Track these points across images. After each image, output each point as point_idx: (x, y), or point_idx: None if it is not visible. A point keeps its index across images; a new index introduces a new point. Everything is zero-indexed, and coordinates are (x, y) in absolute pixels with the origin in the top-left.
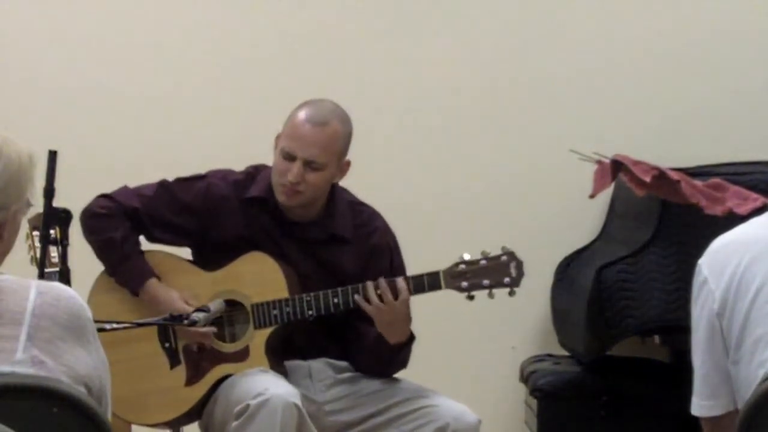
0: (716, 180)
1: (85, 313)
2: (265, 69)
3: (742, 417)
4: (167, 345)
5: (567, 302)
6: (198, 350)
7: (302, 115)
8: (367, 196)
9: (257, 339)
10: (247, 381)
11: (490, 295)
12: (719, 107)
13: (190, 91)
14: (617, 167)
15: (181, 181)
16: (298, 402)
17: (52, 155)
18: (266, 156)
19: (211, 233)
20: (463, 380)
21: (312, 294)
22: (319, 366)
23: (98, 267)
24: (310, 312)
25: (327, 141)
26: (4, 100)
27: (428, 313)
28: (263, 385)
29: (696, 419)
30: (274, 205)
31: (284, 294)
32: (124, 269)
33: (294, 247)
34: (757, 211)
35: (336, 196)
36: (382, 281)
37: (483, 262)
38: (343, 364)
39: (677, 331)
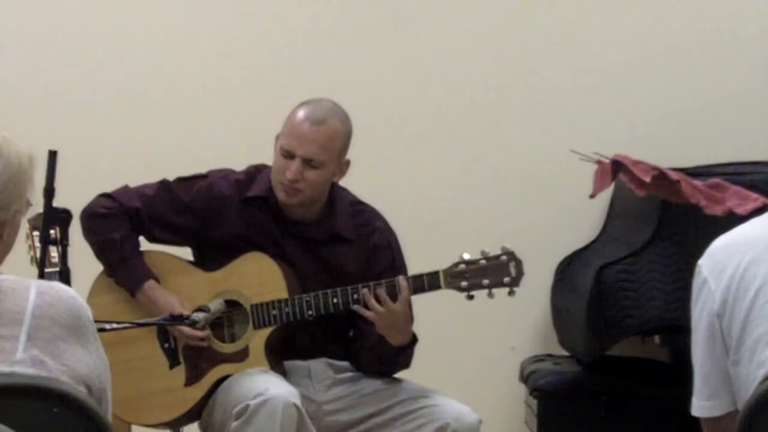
0: (716, 180)
1: (86, 313)
2: (265, 69)
3: (742, 417)
4: (166, 345)
5: (567, 302)
6: (197, 351)
7: (301, 113)
8: (366, 195)
9: (257, 339)
10: (247, 381)
11: (490, 295)
12: (719, 107)
13: (191, 91)
14: (617, 167)
15: (182, 181)
16: (298, 402)
17: (52, 155)
18: (267, 156)
19: (212, 233)
20: (463, 380)
21: (311, 294)
22: (319, 366)
23: (98, 267)
24: (310, 312)
25: (325, 139)
26: (4, 100)
27: (428, 313)
28: (263, 386)
29: (696, 419)
30: (275, 204)
31: (283, 294)
32: (123, 270)
33: (295, 247)
34: (757, 211)
35: (336, 195)
36: (381, 285)
37: (483, 261)
38: (343, 364)
39: (677, 331)
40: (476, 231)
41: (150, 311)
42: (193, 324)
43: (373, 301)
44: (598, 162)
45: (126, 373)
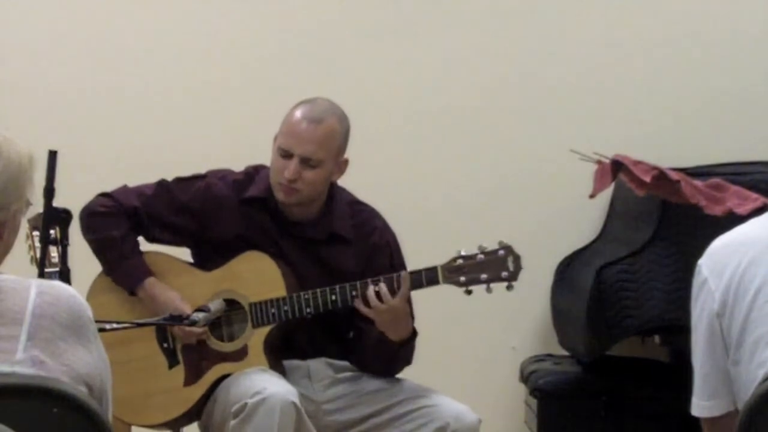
0: (716, 180)
1: (86, 313)
2: (265, 69)
3: (742, 417)
4: (165, 345)
5: (567, 302)
6: (196, 350)
7: (298, 113)
8: (367, 195)
9: (255, 338)
10: (245, 380)
11: (488, 290)
12: (719, 107)
13: (190, 91)
14: (617, 167)
15: (181, 181)
16: (296, 401)
17: (52, 155)
18: (266, 156)
19: (211, 233)
20: (463, 380)
21: (310, 292)
22: (318, 365)
23: (98, 267)
24: (308, 310)
25: (323, 138)
26: (4, 100)
27: (428, 313)
28: (261, 384)
29: (696, 419)
30: (274, 204)
31: (282, 293)
32: (122, 268)
33: (293, 247)
34: (757, 211)
35: (335, 195)
36: (379, 281)
37: (480, 256)
38: (343, 363)
39: (677, 331)
40: (476, 231)
41: (150, 309)
42: (192, 324)
43: (373, 298)
44: (598, 162)
45: (125, 374)
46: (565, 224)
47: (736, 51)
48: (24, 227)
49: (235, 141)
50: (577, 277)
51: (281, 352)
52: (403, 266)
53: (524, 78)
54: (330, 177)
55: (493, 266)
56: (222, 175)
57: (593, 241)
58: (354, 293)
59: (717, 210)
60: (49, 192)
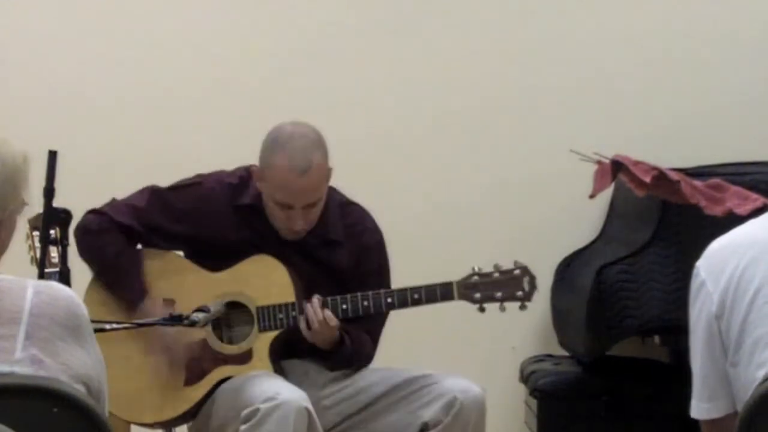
0: (716, 180)
1: (83, 312)
2: (264, 70)
3: (741, 418)
4: None
5: (567, 302)
6: (199, 350)
7: (283, 165)
8: (366, 195)
9: (261, 342)
10: (255, 384)
11: (502, 308)
12: (719, 107)
13: (190, 92)
14: (617, 167)
15: (175, 189)
16: (309, 406)
17: (52, 155)
18: None
19: (209, 238)
20: None
21: (321, 300)
22: (316, 364)
23: None
24: None
25: (317, 182)
26: (4, 100)
27: (429, 313)
28: (273, 389)
29: (695, 420)
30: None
31: (291, 298)
32: (120, 286)
33: (290, 250)
34: (757, 212)
35: (327, 201)
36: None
37: (496, 274)
38: None
39: (677, 331)
40: (476, 231)
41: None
42: (192, 324)
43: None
44: (598, 162)
45: (124, 371)
46: (565, 224)
47: (736, 51)
48: (24, 227)
49: (236, 141)
50: (577, 278)
51: (282, 354)
52: (387, 268)
53: (524, 78)
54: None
55: (509, 285)
56: (215, 179)
57: (593, 241)
58: (366, 303)
59: (717, 210)
60: (49, 192)
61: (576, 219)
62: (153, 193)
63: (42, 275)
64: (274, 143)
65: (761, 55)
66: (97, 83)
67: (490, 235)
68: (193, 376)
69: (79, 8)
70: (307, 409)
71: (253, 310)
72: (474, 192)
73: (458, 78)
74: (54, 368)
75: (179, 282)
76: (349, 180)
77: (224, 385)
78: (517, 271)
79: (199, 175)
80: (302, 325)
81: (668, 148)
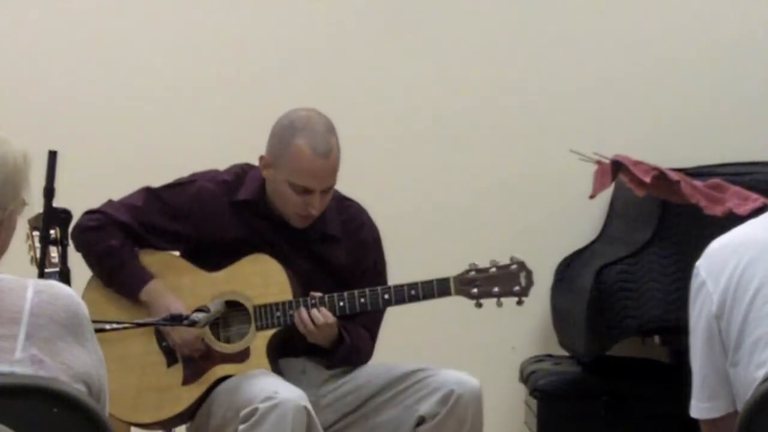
0: (716, 180)
1: (83, 312)
2: (265, 70)
3: (741, 418)
4: (164, 343)
5: (567, 302)
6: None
7: (305, 147)
8: (366, 195)
9: (258, 341)
10: (254, 384)
11: (499, 303)
12: (719, 107)
13: (190, 92)
14: (617, 167)
15: (170, 188)
16: (308, 405)
17: (52, 155)
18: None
19: (206, 235)
20: None
21: (317, 297)
22: (313, 362)
23: None
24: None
25: (337, 165)
26: (4, 100)
27: (428, 313)
28: (272, 389)
29: (695, 420)
30: (265, 207)
31: (288, 296)
32: (123, 274)
33: (287, 247)
34: (757, 212)
35: None
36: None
37: (493, 270)
38: None
39: (677, 331)
40: (476, 231)
41: (151, 312)
42: (192, 324)
43: (308, 321)
44: (598, 162)
45: (122, 371)
46: (565, 224)
47: (737, 51)
48: (24, 227)
49: (236, 141)
50: (576, 278)
51: (279, 353)
52: (383, 265)
53: (524, 78)
54: None
55: (506, 280)
56: (210, 176)
57: (593, 242)
58: (363, 300)
59: (717, 210)
60: (49, 192)
61: (576, 219)
62: (149, 192)
63: (42, 275)
64: (290, 127)
65: (761, 55)
66: (97, 83)
67: (490, 235)
68: (191, 375)
69: (79, 9)
70: (305, 408)
71: (251, 309)
72: (474, 192)
73: (458, 78)
74: (54, 368)
75: (176, 282)
76: (349, 179)
77: (222, 385)
78: (514, 266)
79: (193, 174)
80: (299, 324)
81: (668, 148)
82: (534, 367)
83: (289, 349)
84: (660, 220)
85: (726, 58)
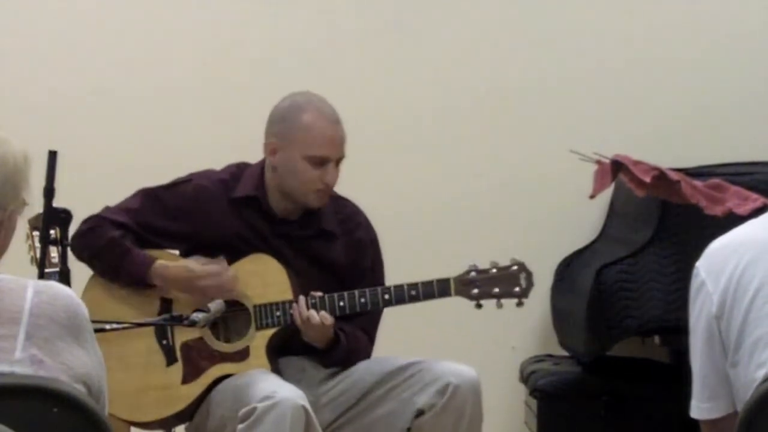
0: (716, 180)
1: (83, 312)
2: (265, 71)
3: (741, 418)
4: (164, 342)
5: (567, 302)
6: (195, 349)
7: (317, 118)
8: (366, 195)
9: (258, 340)
10: (252, 383)
11: (499, 305)
12: (719, 107)
13: (190, 92)
14: (617, 167)
15: (167, 188)
16: (307, 404)
17: (52, 155)
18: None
19: (204, 234)
20: None
21: (317, 296)
22: (312, 361)
23: None
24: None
25: (345, 134)
26: (4, 100)
27: (428, 313)
28: (270, 388)
29: (695, 420)
30: (264, 203)
31: (288, 296)
32: (127, 262)
33: (285, 245)
34: (757, 212)
35: None
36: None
37: (493, 271)
38: None
39: (677, 331)
40: (476, 231)
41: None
42: (192, 324)
43: (305, 316)
44: (598, 162)
45: (122, 370)
46: (565, 224)
47: (736, 51)
48: (24, 227)
49: (236, 141)
50: (576, 278)
51: (279, 352)
52: (381, 266)
53: (524, 78)
54: None
55: (506, 282)
56: (207, 176)
57: (593, 242)
58: (363, 300)
59: (717, 210)
60: (49, 192)
61: (576, 219)
62: (145, 193)
63: (42, 275)
64: (294, 106)
65: (761, 55)
66: (97, 83)
67: (490, 235)
68: (191, 374)
69: (79, 9)
70: (304, 407)
71: (251, 309)
72: (474, 192)
73: (458, 78)
74: (54, 368)
75: None
76: (349, 178)
77: (221, 385)
78: (514, 268)
79: (190, 174)
80: (298, 322)
81: (668, 148)
82: (534, 367)
83: (289, 349)
84: (660, 220)
85: (726, 58)
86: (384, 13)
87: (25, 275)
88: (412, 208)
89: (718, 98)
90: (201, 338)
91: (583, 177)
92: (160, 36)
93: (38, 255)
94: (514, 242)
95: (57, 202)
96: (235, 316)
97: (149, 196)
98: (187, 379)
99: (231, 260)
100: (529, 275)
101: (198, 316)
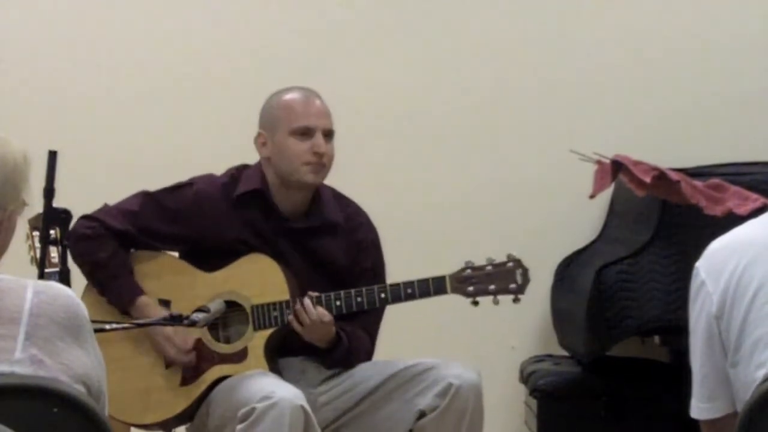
0: (716, 180)
1: (83, 312)
2: (265, 71)
3: (741, 418)
4: None
5: (567, 302)
6: (194, 350)
7: (296, 95)
8: (366, 195)
9: (256, 340)
10: (251, 384)
11: (495, 301)
12: (719, 107)
13: (190, 92)
14: (617, 167)
15: (168, 191)
16: (305, 404)
17: (52, 155)
18: None
19: (205, 237)
20: None
21: (314, 296)
22: (311, 361)
23: None
24: None
25: (328, 109)
26: (4, 100)
27: (428, 313)
28: (269, 388)
29: (695, 420)
30: (267, 198)
31: (285, 296)
32: (113, 289)
33: (286, 243)
34: (757, 212)
35: (320, 188)
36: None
37: (489, 267)
38: None
39: (677, 331)
40: (476, 231)
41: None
42: (192, 324)
43: (304, 316)
44: (598, 162)
45: (121, 371)
46: (565, 224)
47: (736, 51)
48: (24, 227)
49: (236, 141)
50: (576, 278)
51: (277, 352)
52: (382, 267)
53: (524, 78)
54: None
55: (502, 278)
56: (207, 179)
57: (593, 242)
58: (359, 299)
59: (717, 210)
60: (49, 192)
61: (576, 219)
62: (146, 196)
63: (42, 275)
64: (274, 94)
65: (761, 55)
66: (97, 83)
67: (490, 234)
68: (190, 376)
69: (79, 9)
70: (302, 407)
71: (248, 309)
72: (474, 192)
73: (458, 78)
74: (54, 368)
75: (174, 283)
76: (349, 178)
77: (220, 386)
78: (510, 264)
79: (191, 178)
80: (294, 323)
81: (668, 148)
82: (534, 367)
83: (287, 349)
84: (660, 220)
85: (726, 58)
86: (384, 13)
87: (25, 275)
88: (411, 207)
89: (718, 98)
90: (199, 339)
91: (583, 177)
92: (161, 36)
93: (38, 255)
94: (514, 242)
95: (57, 202)
96: (233, 317)
97: (150, 199)
98: (186, 380)
99: (230, 263)
100: (525, 271)
101: (198, 316)
